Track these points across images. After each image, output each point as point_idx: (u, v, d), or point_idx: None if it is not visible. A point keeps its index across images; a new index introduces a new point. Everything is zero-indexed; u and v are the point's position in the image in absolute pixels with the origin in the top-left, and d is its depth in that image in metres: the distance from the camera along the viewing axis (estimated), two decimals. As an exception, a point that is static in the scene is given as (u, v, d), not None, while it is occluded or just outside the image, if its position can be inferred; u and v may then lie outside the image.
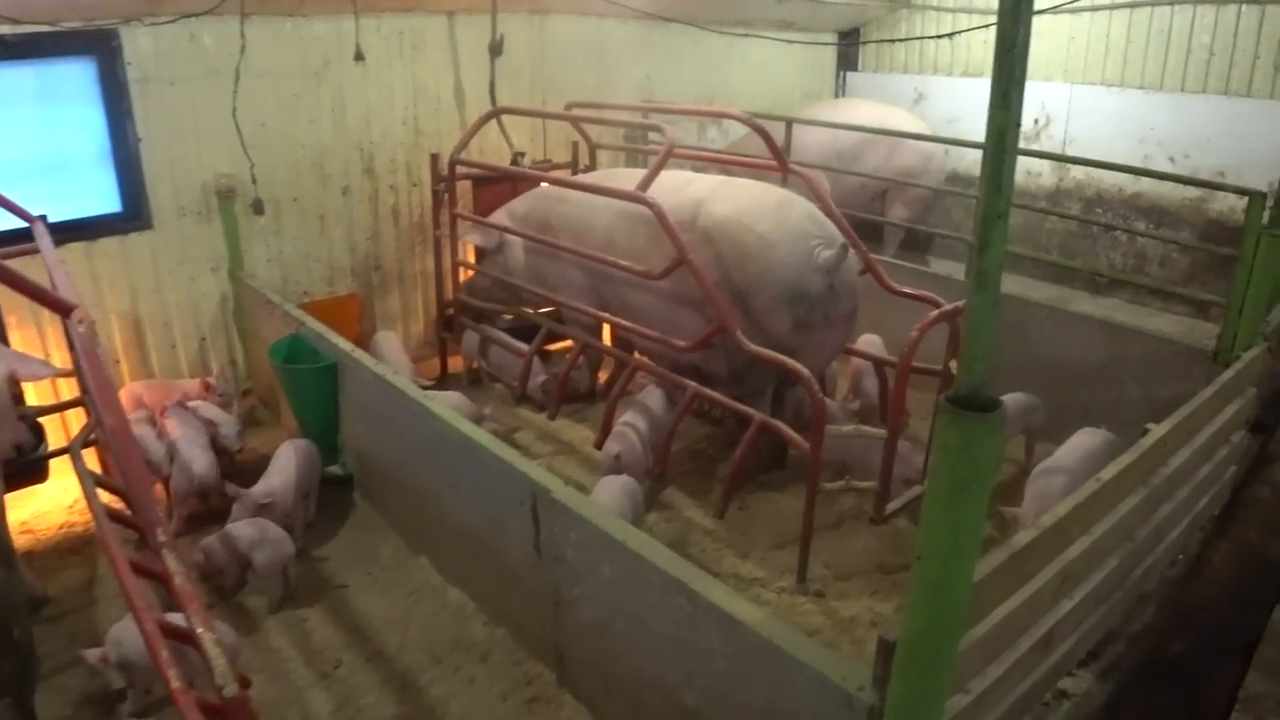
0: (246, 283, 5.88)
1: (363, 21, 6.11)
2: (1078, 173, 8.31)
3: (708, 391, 4.63)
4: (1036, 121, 8.40)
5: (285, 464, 4.61)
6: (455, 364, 6.60)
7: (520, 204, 5.83)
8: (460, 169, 5.92)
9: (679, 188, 4.97)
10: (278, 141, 6.01)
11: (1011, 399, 5.09)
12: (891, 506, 4.32)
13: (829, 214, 5.09)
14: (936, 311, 4.13)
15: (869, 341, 5.80)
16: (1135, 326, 5.54)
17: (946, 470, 1.97)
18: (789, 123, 6.92)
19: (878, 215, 8.26)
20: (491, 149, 6.69)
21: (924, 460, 4.76)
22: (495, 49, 6.31)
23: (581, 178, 6.05)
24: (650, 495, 4.99)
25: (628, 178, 5.15)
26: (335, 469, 5.22)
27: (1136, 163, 7.82)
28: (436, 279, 6.41)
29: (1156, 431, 3.82)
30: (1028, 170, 8.50)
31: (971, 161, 8.54)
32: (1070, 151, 8.22)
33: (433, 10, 6.43)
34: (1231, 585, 4.71)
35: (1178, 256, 7.81)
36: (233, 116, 5.61)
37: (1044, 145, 8.42)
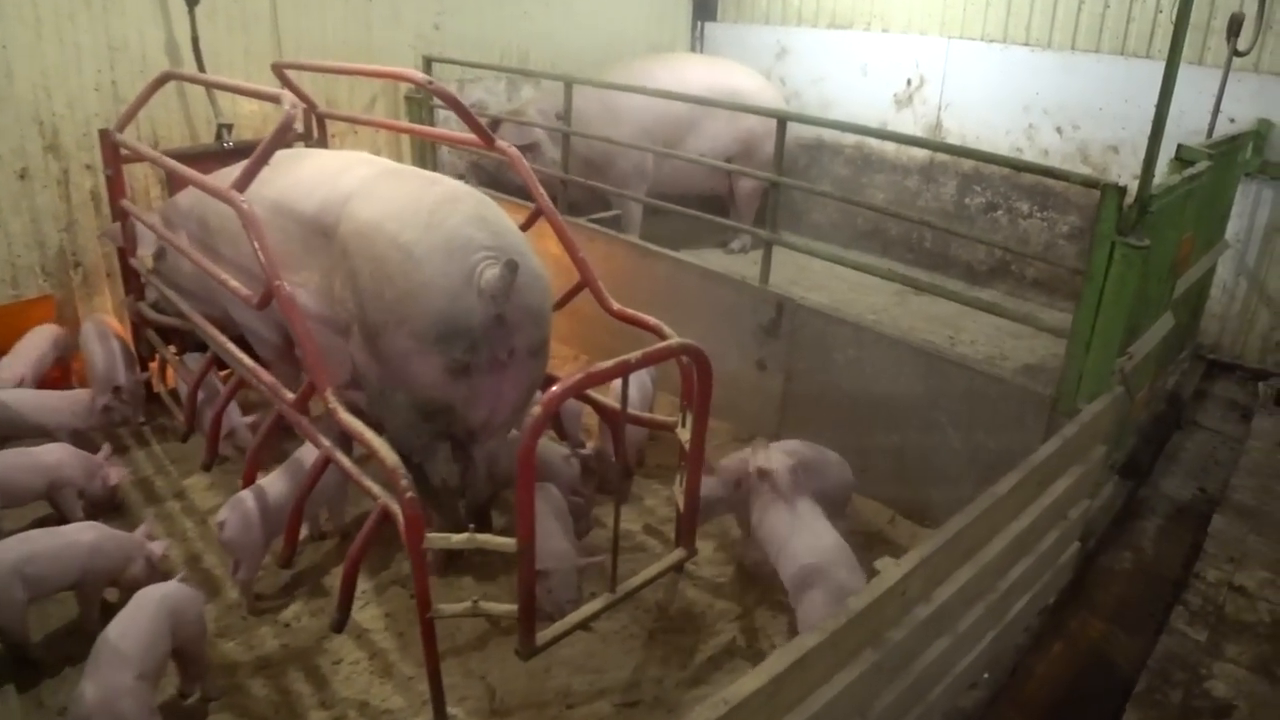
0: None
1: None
2: (953, 143, 6.99)
3: (339, 456, 3.42)
4: (909, 82, 7.12)
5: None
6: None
7: (184, 197, 4.58)
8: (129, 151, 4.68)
9: (332, 176, 3.75)
10: (-82, 118, 4.81)
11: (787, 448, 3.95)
12: (550, 633, 3.13)
13: (541, 207, 3.91)
14: (613, 362, 2.89)
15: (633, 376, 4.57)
16: (957, 358, 4.30)
17: None
18: (568, 83, 5.61)
19: (727, 188, 7.04)
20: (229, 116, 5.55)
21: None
22: (190, -5, 5.04)
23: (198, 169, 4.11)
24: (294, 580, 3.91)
25: (309, 161, 4.02)
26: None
27: (1020, 133, 6.59)
28: (124, 285, 5.22)
29: (886, 576, 2.66)
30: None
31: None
32: (947, 117, 6.96)
33: (127, -52, 5.17)
34: (1052, 713, 3.53)
35: (1064, 244, 6.57)
36: None
37: (917, 109, 7.15)
